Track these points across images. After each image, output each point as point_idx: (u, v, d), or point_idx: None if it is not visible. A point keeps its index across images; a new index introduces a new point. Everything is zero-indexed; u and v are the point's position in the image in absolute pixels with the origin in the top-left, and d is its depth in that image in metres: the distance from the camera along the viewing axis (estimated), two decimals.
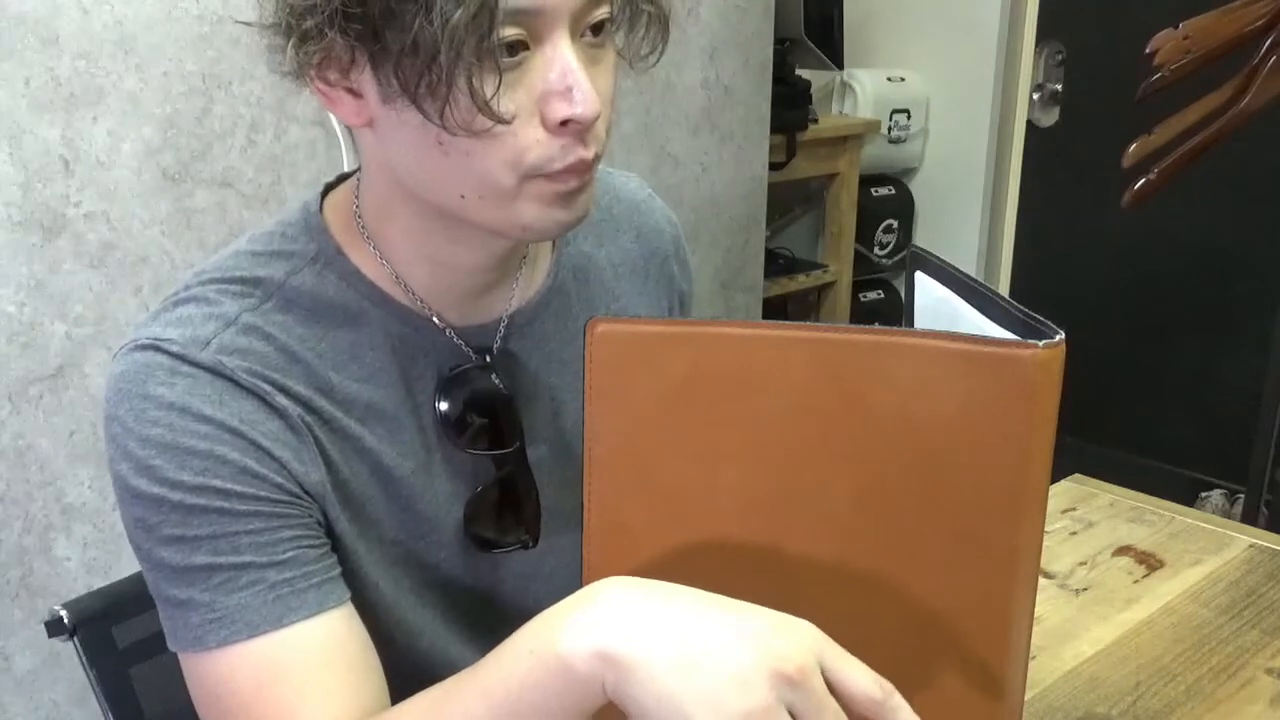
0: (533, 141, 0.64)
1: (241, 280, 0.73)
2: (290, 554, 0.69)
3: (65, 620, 0.93)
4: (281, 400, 0.70)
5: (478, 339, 0.78)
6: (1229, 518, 1.92)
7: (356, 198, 0.76)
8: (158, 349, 0.68)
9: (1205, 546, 1.16)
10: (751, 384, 0.57)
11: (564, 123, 0.64)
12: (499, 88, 0.61)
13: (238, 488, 0.67)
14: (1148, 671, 0.95)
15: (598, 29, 0.66)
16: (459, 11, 0.58)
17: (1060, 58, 2.85)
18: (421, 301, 0.76)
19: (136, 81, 1.46)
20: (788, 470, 0.58)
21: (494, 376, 0.77)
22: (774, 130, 2.41)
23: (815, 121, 2.78)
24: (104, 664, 0.94)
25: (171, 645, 0.70)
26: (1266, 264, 2.48)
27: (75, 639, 0.93)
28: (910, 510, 0.57)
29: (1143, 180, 1.77)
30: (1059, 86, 2.86)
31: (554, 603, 0.57)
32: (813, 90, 2.76)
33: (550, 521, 0.82)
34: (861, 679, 0.53)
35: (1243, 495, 2.18)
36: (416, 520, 0.78)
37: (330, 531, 0.73)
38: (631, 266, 0.89)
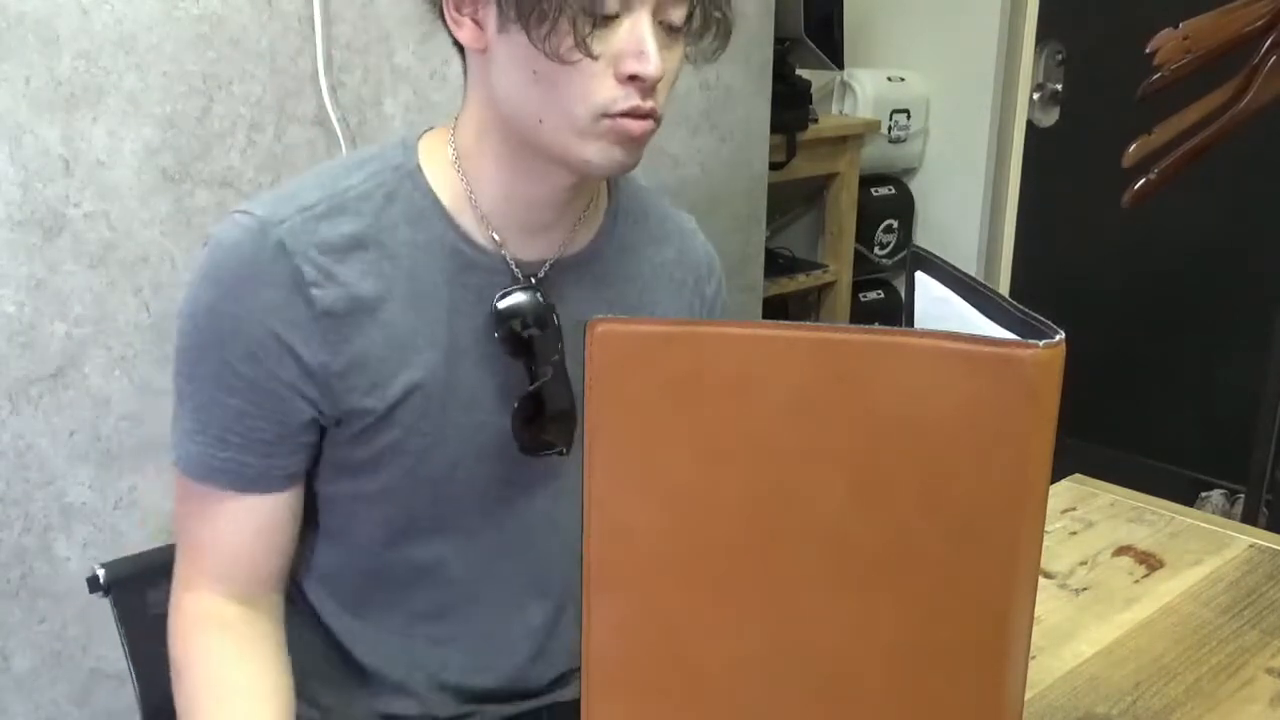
0: (605, 85, 0.79)
1: (331, 174, 0.88)
2: (239, 440, 0.86)
3: (101, 579, 1.01)
4: (319, 291, 0.84)
5: (526, 270, 0.90)
6: (1229, 518, 1.92)
7: (453, 132, 0.90)
8: (245, 214, 0.85)
9: (1205, 546, 1.16)
10: (751, 384, 0.57)
11: (632, 77, 0.79)
12: (592, 30, 0.77)
13: (238, 365, 0.84)
14: (1148, 671, 0.95)
15: (672, 29, 0.81)
16: None
17: (1060, 58, 2.85)
18: (487, 220, 0.89)
19: (136, 81, 1.46)
20: (788, 470, 0.58)
21: (537, 297, 0.89)
22: (774, 130, 2.41)
23: (815, 121, 2.78)
24: (134, 624, 1.01)
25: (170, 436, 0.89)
26: (1266, 264, 2.48)
27: (110, 597, 1.00)
28: (910, 510, 0.57)
29: (1143, 180, 1.77)
30: (1059, 86, 2.86)
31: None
32: (813, 90, 2.76)
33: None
34: None
35: (1243, 495, 2.18)
36: (428, 416, 0.88)
37: (323, 431, 0.88)
38: (669, 275, 1.01)
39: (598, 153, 0.82)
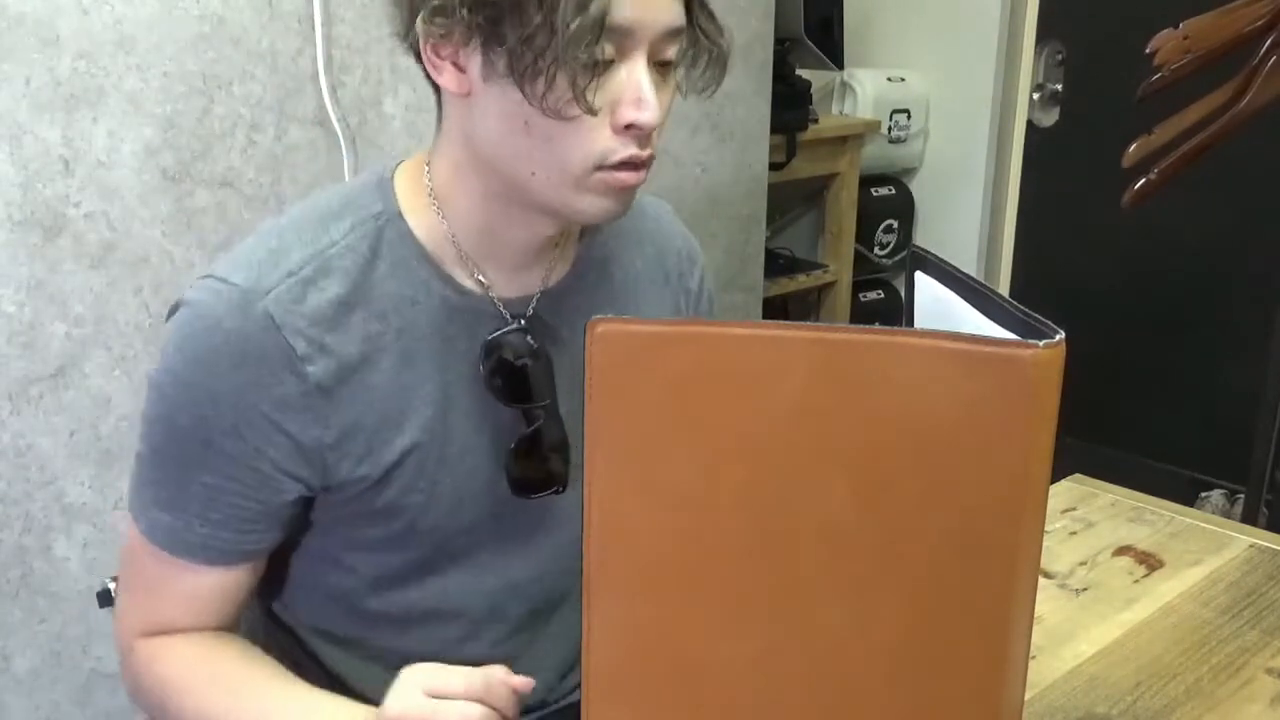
0: (602, 136, 0.76)
1: (312, 228, 0.83)
2: (218, 517, 0.82)
3: (112, 593, 0.99)
4: (309, 365, 0.80)
5: (512, 309, 0.88)
6: (1229, 518, 1.92)
7: (428, 166, 0.86)
8: (224, 283, 0.80)
9: (1205, 546, 1.16)
10: (751, 384, 0.57)
11: (629, 126, 0.76)
12: (590, 84, 0.73)
13: (219, 441, 0.80)
14: (1148, 671, 0.95)
15: (665, 65, 0.78)
16: (576, 22, 0.70)
17: (1060, 58, 2.85)
18: (470, 260, 0.86)
19: (136, 81, 1.46)
20: (788, 470, 0.58)
21: (529, 338, 0.87)
22: (774, 130, 2.41)
23: (815, 121, 2.78)
24: None
25: (128, 494, 0.86)
26: (1266, 264, 2.48)
27: None
28: (910, 510, 0.57)
29: (1143, 180, 1.77)
30: (1059, 86, 2.86)
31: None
32: (813, 90, 2.76)
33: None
34: (458, 682, 0.73)
35: (1243, 495, 2.18)
36: (424, 474, 0.85)
37: (310, 501, 0.85)
38: (650, 276, 0.99)
39: (591, 204, 0.79)
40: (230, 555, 0.84)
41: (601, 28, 0.72)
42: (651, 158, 0.79)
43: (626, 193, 0.80)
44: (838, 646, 0.60)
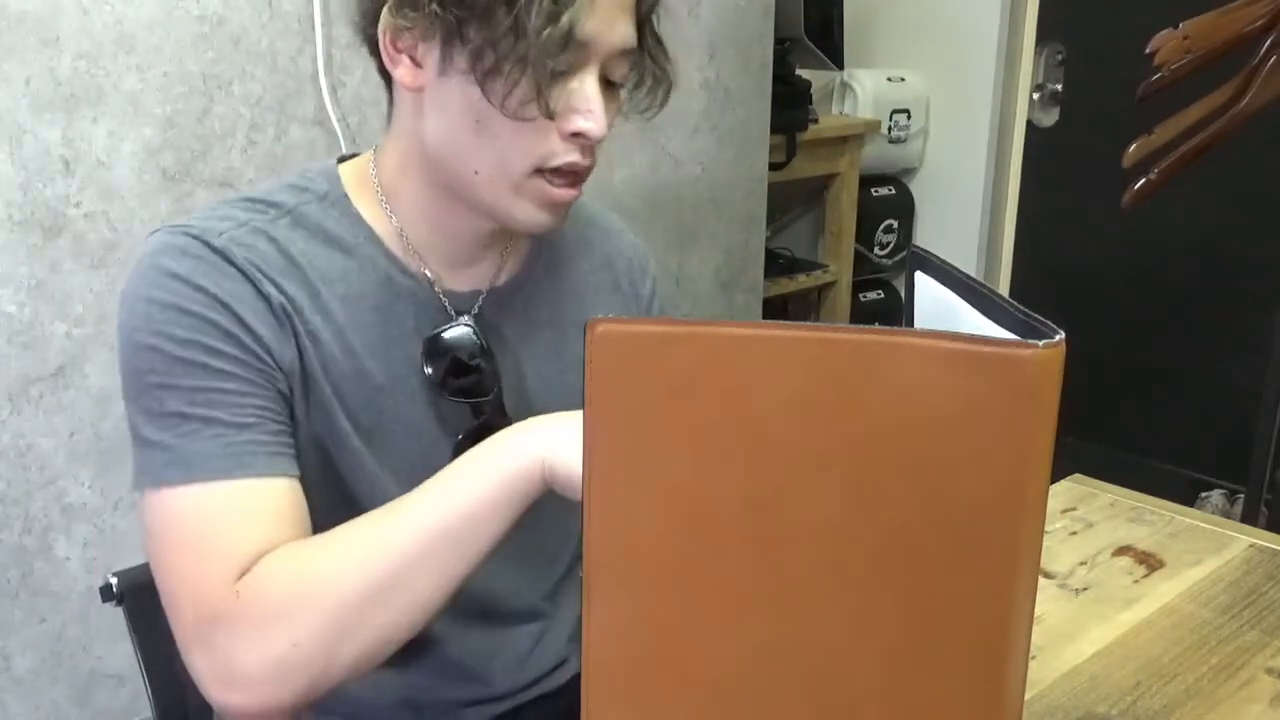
0: (547, 140, 0.79)
1: (259, 200, 0.85)
2: (253, 420, 0.79)
3: (114, 588, 0.99)
4: (269, 288, 0.81)
5: (457, 303, 0.89)
6: (1229, 518, 1.92)
7: (374, 160, 0.89)
8: (178, 231, 0.81)
9: (1205, 546, 1.16)
10: (751, 384, 0.57)
11: (575, 134, 0.79)
12: (551, 89, 0.76)
13: (221, 346, 0.78)
14: (1148, 671, 0.95)
15: (611, 85, 0.82)
16: (547, 32, 0.73)
17: (1060, 58, 2.85)
18: (417, 254, 0.87)
19: (136, 81, 1.46)
20: (788, 470, 0.58)
21: (475, 334, 0.87)
22: (774, 130, 2.41)
23: (815, 121, 2.78)
24: (146, 633, 1.00)
25: (135, 486, 0.79)
26: (1266, 264, 2.48)
27: (123, 606, 0.99)
28: (910, 510, 0.57)
29: (1143, 180, 1.77)
30: (1059, 86, 2.86)
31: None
32: (813, 90, 2.76)
33: None
34: None
35: (1243, 495, 2.18)
36: (370, 455, 0.85)
37: (291, 416, 0.83)
38: (599, 282, 1.01)
39: (525, 213, 0.82)
40: (275, 461, 0.79)
41: (569, 39, 0.75)
42: (589, 170, 0.82)
43: (561, 207, 0.83)
44: (837, 646, 0.60)
